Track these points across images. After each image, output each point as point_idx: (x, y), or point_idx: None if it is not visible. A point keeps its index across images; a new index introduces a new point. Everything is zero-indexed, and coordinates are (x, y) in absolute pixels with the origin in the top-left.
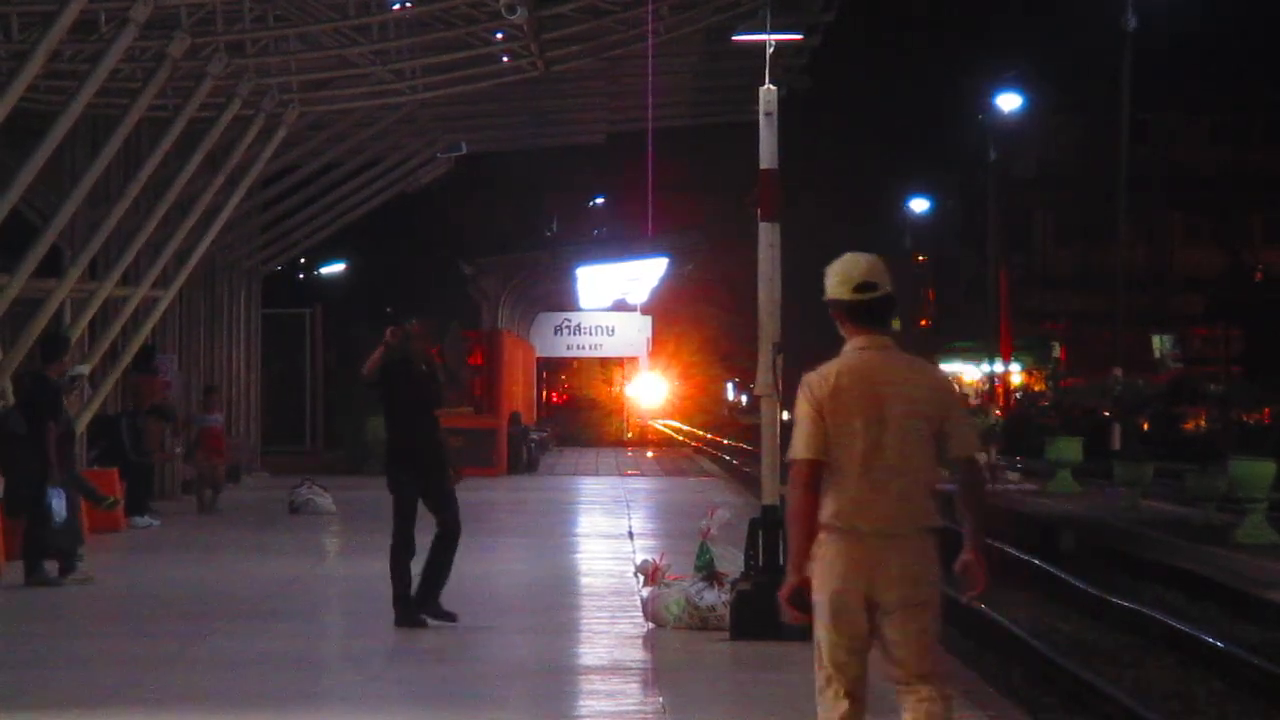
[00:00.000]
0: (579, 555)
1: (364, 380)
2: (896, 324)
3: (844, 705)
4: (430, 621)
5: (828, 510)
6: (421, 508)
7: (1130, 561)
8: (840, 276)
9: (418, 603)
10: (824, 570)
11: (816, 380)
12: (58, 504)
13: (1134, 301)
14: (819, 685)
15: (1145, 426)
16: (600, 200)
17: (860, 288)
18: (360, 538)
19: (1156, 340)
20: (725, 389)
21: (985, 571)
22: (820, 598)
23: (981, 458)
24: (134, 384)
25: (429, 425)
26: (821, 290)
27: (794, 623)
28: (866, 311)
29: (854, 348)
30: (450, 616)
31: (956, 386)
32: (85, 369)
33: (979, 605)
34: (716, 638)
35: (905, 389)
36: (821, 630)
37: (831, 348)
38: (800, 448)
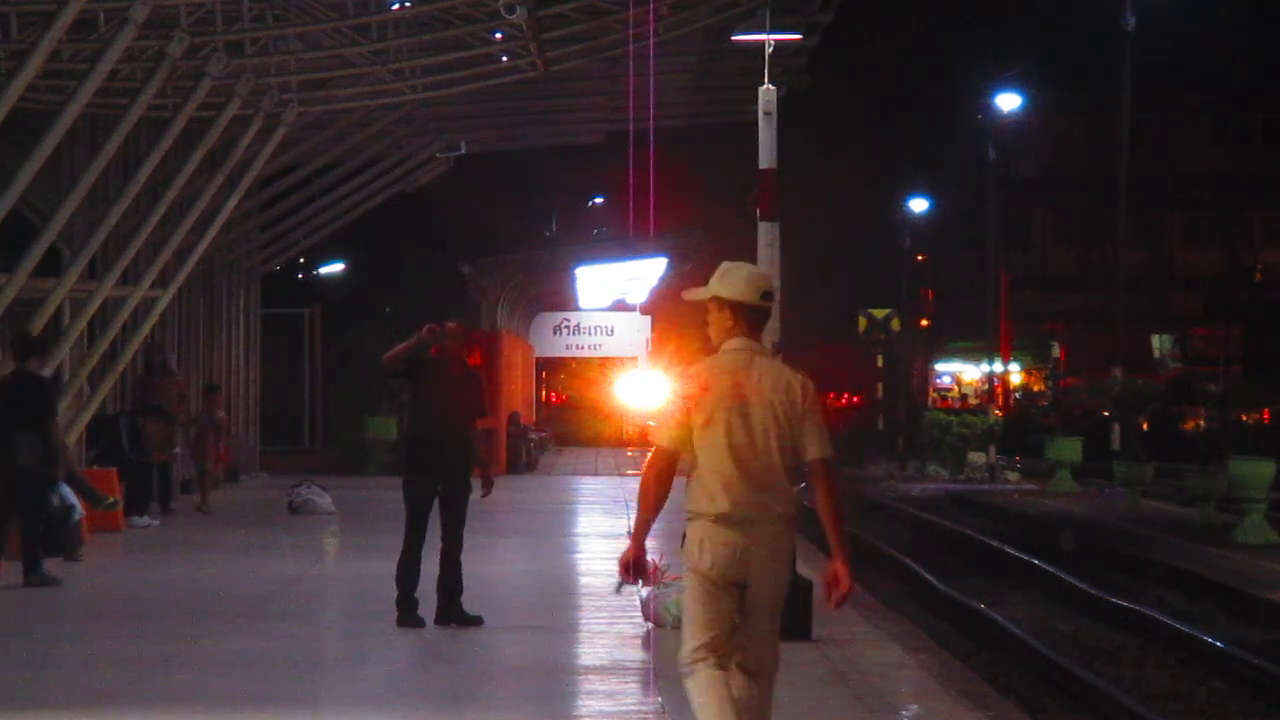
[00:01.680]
0: (579, 555)
1: (384, 368)
2: (896, 324)
3: (715, 676)
4: (426, 624)
5: (698, 498)
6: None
7: (1130, 561)
8: (750, 282)
9: (442, 616)
10: (696, 553)
11: (690, 376)
12: (70, 496)
13: (1134, 301)
14: (686, 661)
15: (1145, 426)
16: (600, 200)
17: (766, 295)
18: (359, 538)
19: (1156, 340)
20: None
21: (850, 580)
22: (693, 580)
23: (981, 459)
24: (140, 383)
25: (456, 431)
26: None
27: (629, 583)
28: (761, 316)
29: (732, 348)
30: (477, 620)
31: (815, 391)
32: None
33: (842, 608)
34: None
35: (768, 388)
36: (695, 608)
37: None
38: (663, 436)
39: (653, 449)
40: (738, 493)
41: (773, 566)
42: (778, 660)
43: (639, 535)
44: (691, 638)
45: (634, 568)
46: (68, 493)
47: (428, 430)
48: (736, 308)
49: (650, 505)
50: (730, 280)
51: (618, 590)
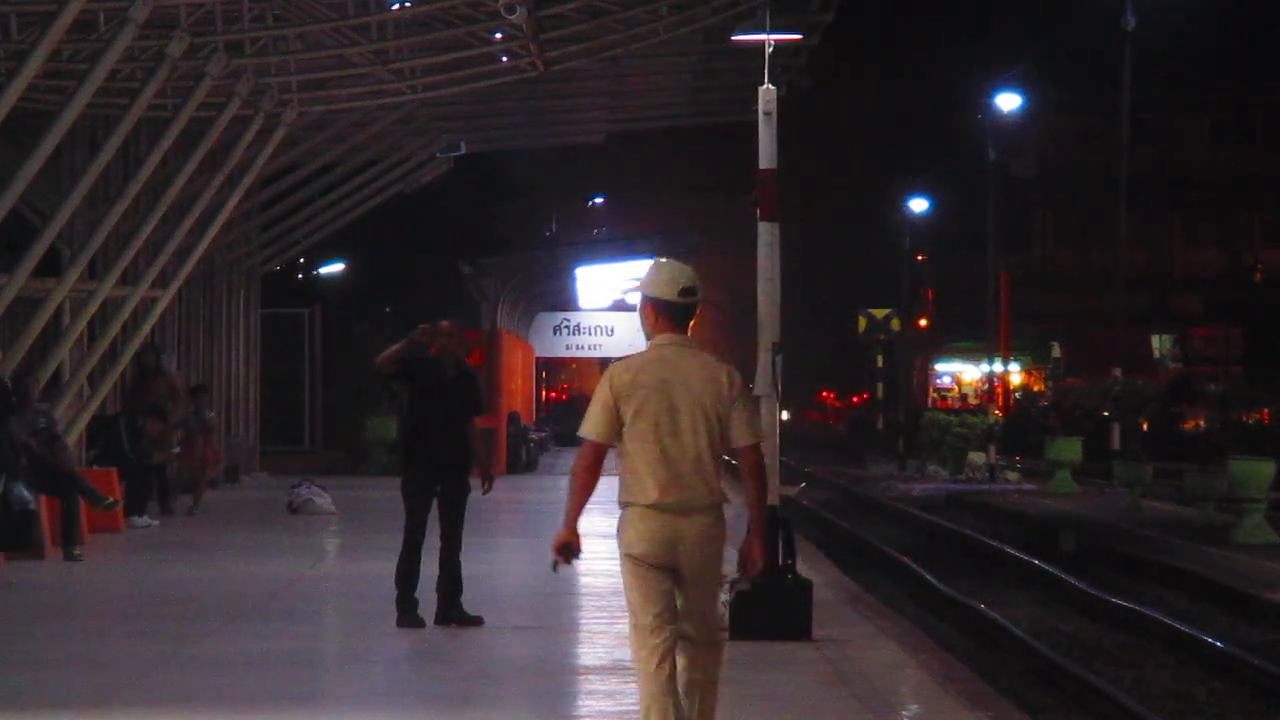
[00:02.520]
0: (579, 555)
1: (377, 369)
2: (896, 324)
3: (655, 661)
4: (426, 624)
5: (630, 487)
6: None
7: (1130, 561)
8: (670, 281)
9: (442, 616)
10: (628, 541)
11: (619, 371)
12: (21, 492)
13: (1134, 301)
14: (632, 645)
15: (1145, 426)
16: (600, 200)
17: (684, 292)
18: (359, 538)
19: (1156, 340)
20: None
21: (764, 555)
22: (627, 565)
23: (981, 459)
24: (134, 384)
25: (454, 430)
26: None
27: (565, 566)
28: (682, 313)
29: (658, 344)
30: (477, 620)
31: (742, 382)
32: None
33: (748, 578)
34: None
35: (696, 382)
36: (632, 595)
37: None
38: (589, 429)
39: (581, 443)
40: (666, 481)
41: (703, 551)
42: (723, 631)
43: (571, 520)
44: (634, 621)
45: (565, 550)
46: (17, 487)
47: (425, 430)
48: (657, 304)
49: (580, 495)
50: (651, 278)
51: (554, 569)
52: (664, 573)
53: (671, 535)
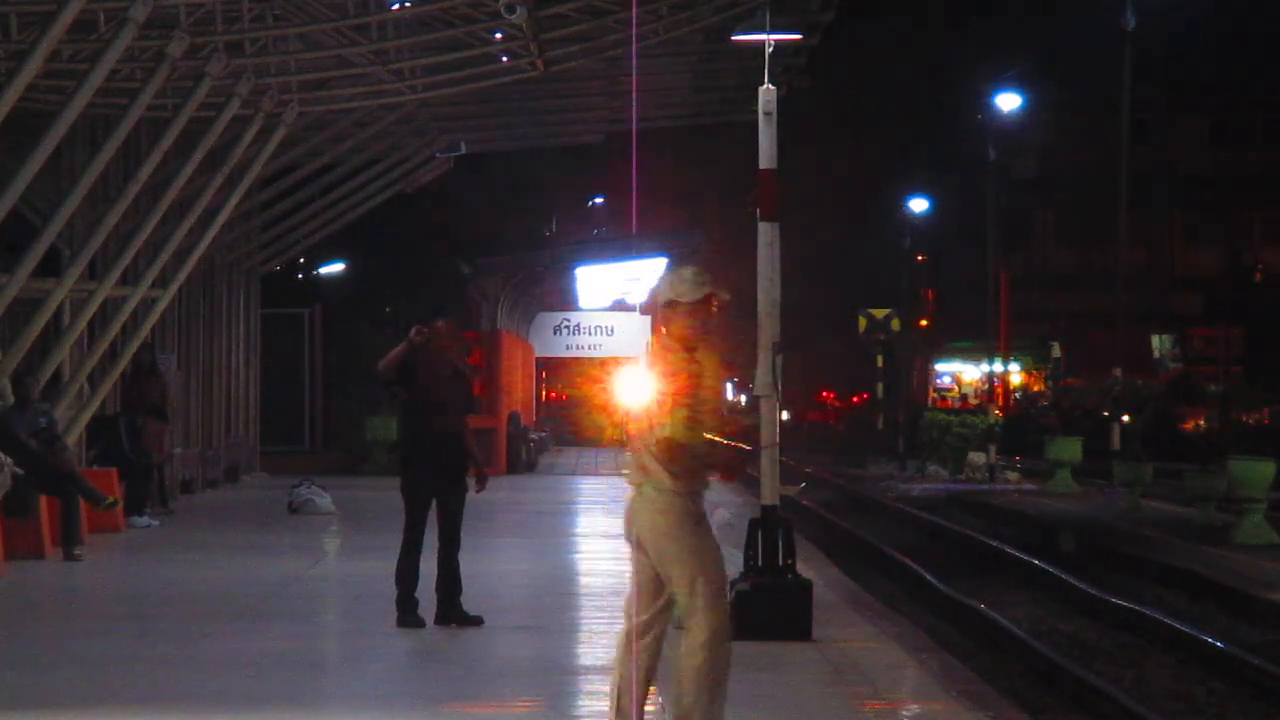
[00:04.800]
0: (578, 555)
1: (380, 376)
2: (896, 324)
3: (627, 634)
4: (426, 624)
5: None
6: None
7: (1130, 561)
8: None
9: (442, 617)
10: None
11: None
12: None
13: (1134, 301)
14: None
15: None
16: (600, 200)
17: (667, 304)
18: (360, 538)
19: (1156, 340)
20: (724, 388)
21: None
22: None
23: (981, 459)
24: (129, 384)
25: (451, 429)
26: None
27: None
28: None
29: None
30: (477, 620)
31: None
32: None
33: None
34: None
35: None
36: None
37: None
38: None
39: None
40: (631, 465)
41: (652, 530)
42: (713, 627)
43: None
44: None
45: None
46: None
47: (422, 429)
48: None
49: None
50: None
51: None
52: (639, 549)
53: (632, 512)
